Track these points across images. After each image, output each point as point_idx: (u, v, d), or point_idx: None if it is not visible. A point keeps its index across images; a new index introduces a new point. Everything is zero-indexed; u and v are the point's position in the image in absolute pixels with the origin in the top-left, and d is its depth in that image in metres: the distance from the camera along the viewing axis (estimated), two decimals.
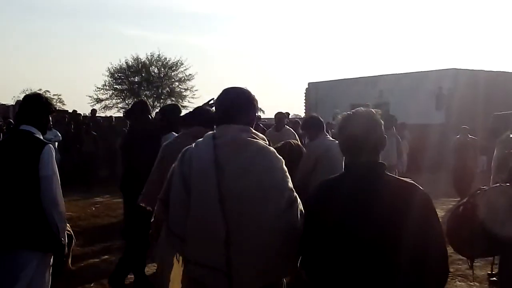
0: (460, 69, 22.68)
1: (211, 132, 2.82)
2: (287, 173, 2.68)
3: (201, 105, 4.51)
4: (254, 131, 2.79)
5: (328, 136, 5.82)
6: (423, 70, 24.04)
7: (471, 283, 6.29)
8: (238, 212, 2.52)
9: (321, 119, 5.97)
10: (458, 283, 6.35)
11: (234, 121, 2.73)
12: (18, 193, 3.81)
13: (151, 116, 5.95)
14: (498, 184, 3.73)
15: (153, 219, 3.12)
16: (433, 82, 21.88)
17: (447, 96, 21.48)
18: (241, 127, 2.73)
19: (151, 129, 5.81)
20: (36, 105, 4.03)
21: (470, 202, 3.58)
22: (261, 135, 2.84)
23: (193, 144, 2.78)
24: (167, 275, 2.83)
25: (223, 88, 2.85)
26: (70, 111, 19.40)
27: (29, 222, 3.80)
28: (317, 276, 2.49)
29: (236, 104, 2.77)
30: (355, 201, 2.39)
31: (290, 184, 2.65)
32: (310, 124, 5.98)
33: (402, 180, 2.50)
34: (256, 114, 2.96)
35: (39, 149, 3.83)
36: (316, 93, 26.81)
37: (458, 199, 11.38)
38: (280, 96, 70.69)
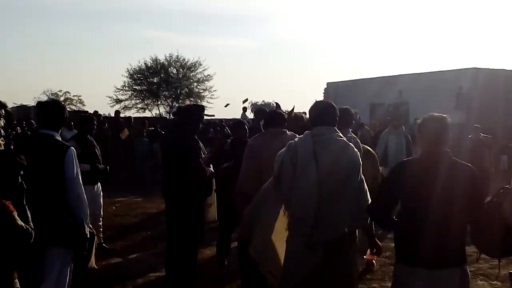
0: (480, 68, 22.41)
1: (309, 131, 3.83)
2: (360, 161, 3.78)
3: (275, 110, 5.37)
4: (338, 130, 3.86)
5: (350, 134, 5.64)
6: (442, 70, 23.81)
7: (493, 282, 6.27)
8: (328, 188, 3.59)
9: (351, 112, 5.74)
10: (480, 282, 6.33)
11: (325, 124, 3.81)
12: (46, 193, 4.07)
13: (202, 124, 5.91)
14: None
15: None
16: (453, 81, 21.61)
17: (467, 95, 21.25)
18: (330, 128, 3.82)
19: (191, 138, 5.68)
20: (54, 111, 4.32)
21: (494, 201, 3.57)
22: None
23: (295, 139, 3.86)
24: (267, 230, 3.77)
25: (315, 101, 4.03)
26: (91, 111, 19.56)
27: (57, 220, 4.07)
28: (389, 224, 3.61)
29: (326, 111, 3.90)
30: (426, 174, 3.36)
31: (361, 170, 3.75)
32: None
33: (461, 162, 3.48)
34: (337, 118, 3.96)
35: (63, 152, 4.11)
36: (334, 93, 26.56)
37: None
38: (298, 96, 70.49)
